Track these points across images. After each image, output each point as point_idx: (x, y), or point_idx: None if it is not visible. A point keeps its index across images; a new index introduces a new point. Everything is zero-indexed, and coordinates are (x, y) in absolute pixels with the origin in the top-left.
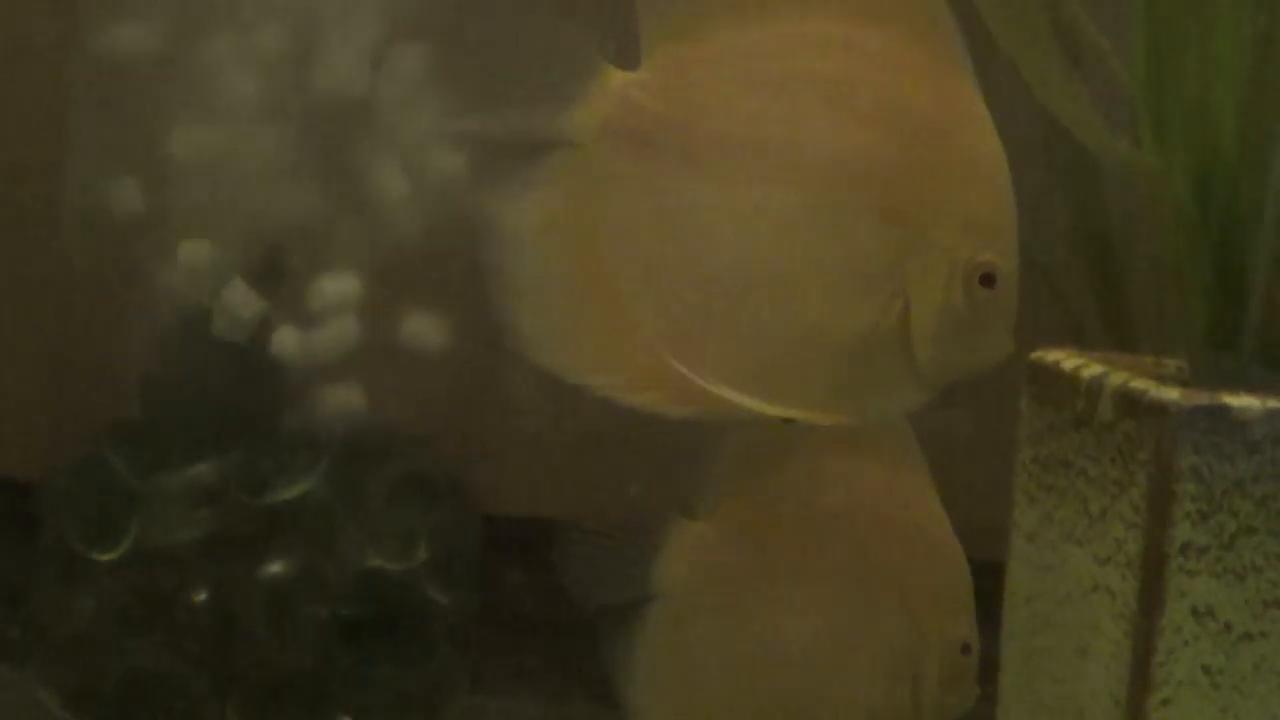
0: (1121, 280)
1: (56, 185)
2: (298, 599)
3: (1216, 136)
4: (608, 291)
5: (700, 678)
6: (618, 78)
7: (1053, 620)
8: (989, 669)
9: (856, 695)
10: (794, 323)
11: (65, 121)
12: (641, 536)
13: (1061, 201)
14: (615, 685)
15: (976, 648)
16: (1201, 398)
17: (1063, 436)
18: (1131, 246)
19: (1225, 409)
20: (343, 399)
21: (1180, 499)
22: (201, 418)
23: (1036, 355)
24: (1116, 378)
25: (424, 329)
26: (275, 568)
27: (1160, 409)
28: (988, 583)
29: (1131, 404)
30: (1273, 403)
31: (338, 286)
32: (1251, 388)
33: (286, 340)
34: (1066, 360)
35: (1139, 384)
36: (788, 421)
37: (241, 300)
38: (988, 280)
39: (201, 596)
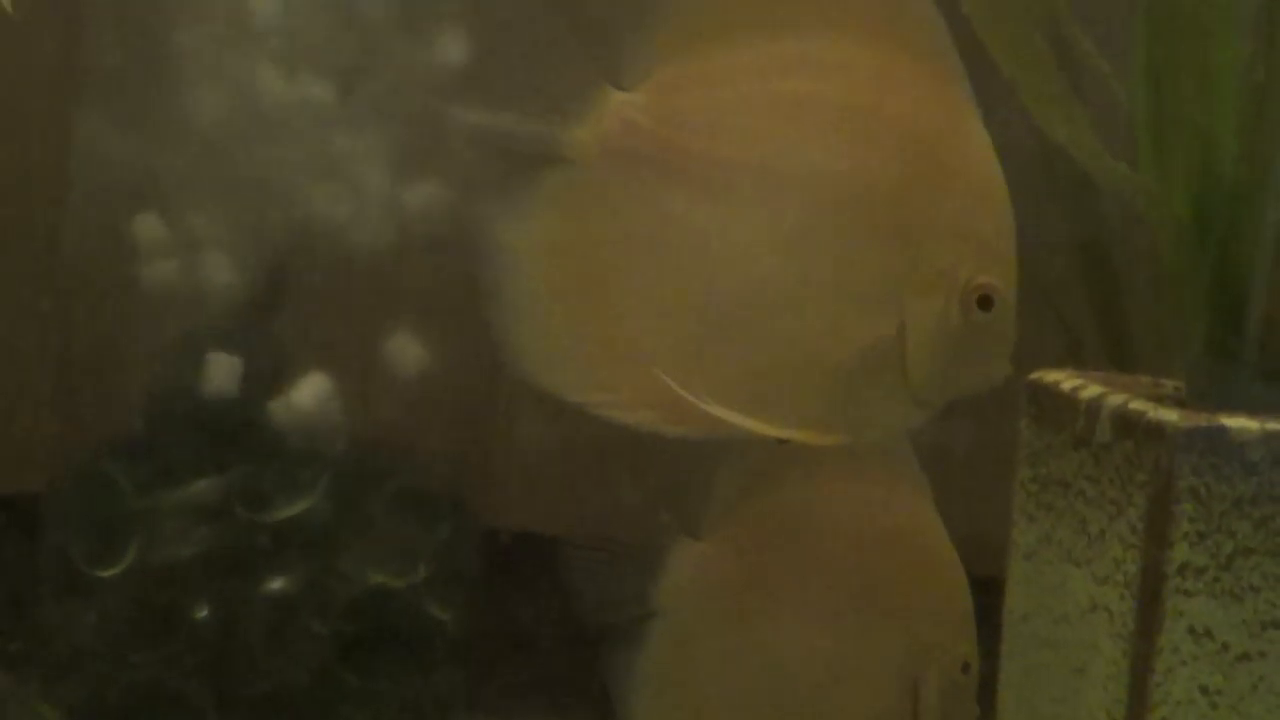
0: (1120, 298)
1: (61, 199)
2: (298, 615)
3: (1215, 157)
4: (605, 311)
5: (702, 696)
6: (616, 98)
7: (1051, 639)
8: (988, 686)
9: (856, 714)
10: (792, 343)
11: (69, 137)
12: (643, 555)
13: (1060, 219)
14: (616, 703)
15: (977, 667)
16: (1200, 419)
17: (1061, 457)
18: (1130, 264)
19: (1223, 430)
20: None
21: (1178, 520)
22: (203, 434)
23: (1035, 375)
24: (1115, 398)
25: (424, 345)
26: (276, 584)
27: (1158, 430)
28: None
29: (1130, 425)
30: (1271, 424)
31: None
32: (1250, 408)
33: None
34: (1065, 381)
35: (1137, 405)
36: (783, 442)
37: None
38: (986, 302)
39: (203, 612)
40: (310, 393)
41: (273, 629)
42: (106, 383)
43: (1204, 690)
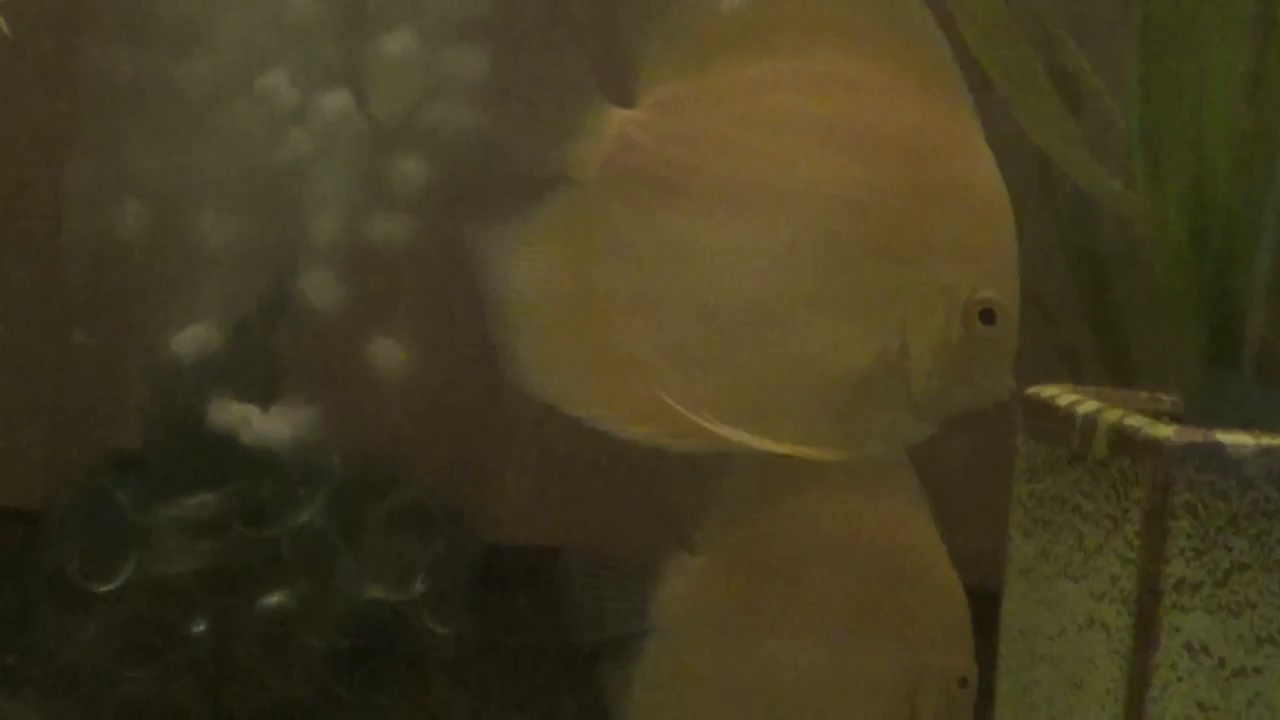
0: (1117, 312)
1: (57, 212)
2: (296, 630)
3: (1210, 173)
4: (606, 326)
5: (698, 711)
6: (617, 115)
7: (1048, 655)
8: (985, 700)
9: None
10: (793, 359)
11: (66, 149)
12: (640, 570)
13: (1057, 234)
14: (613, 717)
15: (974, 681)
16: (1196, 435)
17: (1058, 472)
18: (1127, 278)
19: (1220, 446)
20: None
21: (1175, 535)
22: (201, 450)
23: (1032, 391)
24: (1111, 414)
25: (422, 359)
26: (274, 599)
27: (1155, 446)
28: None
29: (1126, 441)
30: (1267, 440)
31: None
32: (1247, 423)
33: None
34: (1061, 396)
35: (1133, 421)
36: (782, 456)
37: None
38: (988, 316)
39: (200, 627)
40: (303, 409)
41: (270, 644)
42: (105, 398)
43: (1200, 706)
